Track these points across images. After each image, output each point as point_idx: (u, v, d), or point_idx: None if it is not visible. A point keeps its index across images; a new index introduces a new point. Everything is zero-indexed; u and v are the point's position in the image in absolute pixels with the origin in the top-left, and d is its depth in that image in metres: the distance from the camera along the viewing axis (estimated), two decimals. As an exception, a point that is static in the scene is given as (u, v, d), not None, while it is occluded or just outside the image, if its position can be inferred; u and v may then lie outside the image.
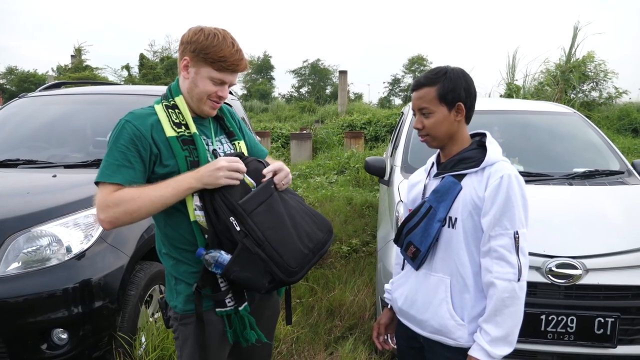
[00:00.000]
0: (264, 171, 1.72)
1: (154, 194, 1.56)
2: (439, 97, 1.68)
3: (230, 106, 2.06)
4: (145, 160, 1.61)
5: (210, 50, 1.62)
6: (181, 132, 1.66)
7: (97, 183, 1.59)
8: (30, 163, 3.35)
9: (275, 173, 1.73)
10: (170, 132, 1.64)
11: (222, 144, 1.80)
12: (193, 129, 1.68)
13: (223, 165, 1.58)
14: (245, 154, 1.85)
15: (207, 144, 1.74)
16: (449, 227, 1.69)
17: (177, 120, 1.67)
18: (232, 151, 1.80)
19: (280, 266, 1.59)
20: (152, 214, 1.61)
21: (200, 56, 1.64)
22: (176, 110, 1.69)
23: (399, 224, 1.91)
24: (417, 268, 1.75)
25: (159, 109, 1.69)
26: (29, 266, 2.45)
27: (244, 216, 1.56)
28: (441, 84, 1.68)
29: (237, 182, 1.61)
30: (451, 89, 1.67)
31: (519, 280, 1.58)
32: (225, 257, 1.55)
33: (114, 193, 1.55)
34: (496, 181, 1.61)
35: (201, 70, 1.66)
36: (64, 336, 2.47)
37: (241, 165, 1.63)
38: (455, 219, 1.67)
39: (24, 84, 30.36)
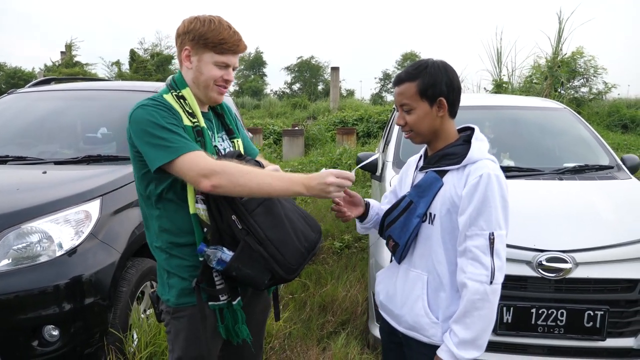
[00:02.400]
0: (332, 180, 1.70)
1: (263, 180, 1.55)
2: (420, 92, 1.63)
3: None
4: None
5: (210, 35, 1.65)
6: (195, 122, 1.68)
7: (175, 159, 1.54)
8: (20, 159, 3.32)
9: None
10: (186, 121, 1.66)
11: (222, 140, 1.82)
12: (202, 122, 1.70)
13: (333, 182, 1.57)
14: (242, 150, 1.87)
15: (212, 139, 1.75)
16: (428, 223, 1.67)
17: (189, 111, 1.69)
18: (232, 150, 1.82)
19: (281, 264, 1.62)
20: (251, 196, 1.58)
21: (201, 43, 1.66)
22: (186, 102, 1.70)
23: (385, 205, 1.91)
24: (399, 262, 1.76)
25: (171, 99, 1.68)
26: (19, 263, 2.43)
27: (246, 215, 1.59)
28: (421, 79, 1.63)
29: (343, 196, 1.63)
30: (432, 84, 1.63)
31: (491, 282, 1.53)
32: (227, 253, 1.57)
33: (217, 161, 1.55)
34: (475, 180, 1.56)
35: (204, 57, 1.68)
36: (55, 333, 2.45)
37: (348, 182, 1.61)
38: (434, 215, 1.65)
39: (11, 80, 29.98)
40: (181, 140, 1.57)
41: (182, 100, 1.69)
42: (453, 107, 1.69)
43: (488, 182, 1.55)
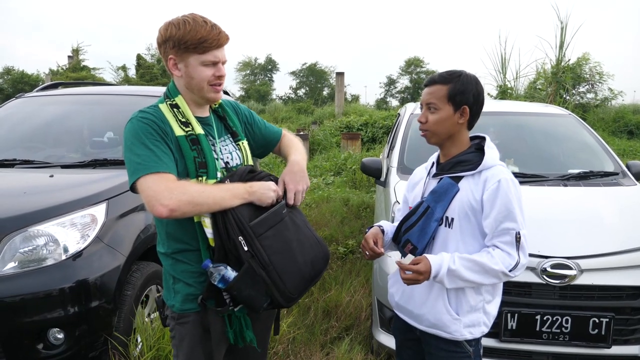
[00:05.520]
0: (274, 188, 1.72)
1: (217, 194, 1.56)
2: (448, 96, 1.74)
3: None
4: (172, 151, 1.61)
5: (188, 37, 1.61)
6: (189, 131, 1.66)
7: (135, 181, 1.54)
8: (27, 163, 3.34)
9: (286, 188, 1.76)
10: (178, 131, 1.64)
11: (226, 144, 1.81)
12: (198, 129, 1.68)
13: (275, 189, 1.69)
14: (248, 153, 1.86)
15: (213, 145, 1.74)
16: (445, 226, 1.76)
17: (183, 120, 1.67)
18: (238, 154, 1.81)
19: (281, 292, 1.62)
20: (208, 213, 1.58)
21: (182, 48, 1.62)
22: (180, 110, 1.69)
23: (397, 223, 1.95)
24: None
25: (165, 109, 1.68)
26: (26, 266, 2.44)
27: (253, 238, 1.58)
28: (453, 84, 1.74)
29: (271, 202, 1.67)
30: (461, 91, 1.73)
31: (510, 270, 1.66)
32: (230, 273, 1.56)
33: (177, 181, 1.53)
34: (494, 185, 1.68)
35: (189, 61, 1.65)
36: (60, 336, 2.47)
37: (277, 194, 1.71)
38: (452, 218, 1.74)
39: (18, 84, 30.14)
40: (152, 158, 1.54)
41: (175, 109, 1.68)
42: (473, 119, 1.79)
43: (507, 186, 1.68)
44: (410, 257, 1.80)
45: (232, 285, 1.55)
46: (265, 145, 2.03)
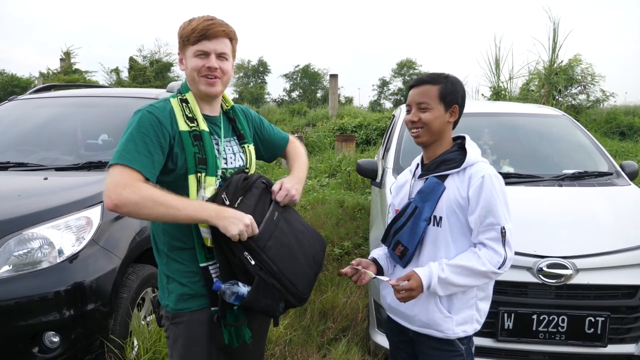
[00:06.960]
0: (247, 223, 1.62)
1: (172, 204, 1.53)
2: (440, 96, 1.78)
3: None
4: (164, 151, 1.63)
5: (185, 32, 1.71)
6: (193, 127, 1.69)
7: (110, 165, 1.56)
8: (21, 166, 3.32)
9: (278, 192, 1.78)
10: (183, 126, 1.68)
11: (231, 145, 1.83)
12: (202, 125, 1.71)
13: (248, 224, 1.56)
14: (253, 157, 1.89)
15: (217, 144, 1.76)
16: (434, 225, 1.79)
17: (190, 115, 1.71)
18: (242, 156, 1.83)
19: (294, 294, 1.66)
20: (156, 221, 1.64)
21: (182, 43, 1.73)
22: (189, 105, 1.73)
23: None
24: (405, 266, 1.83)
25: (174, 102, 1.73)
26: (20, 269, 2.42)
27: (258, 252, 1.60)
28: (443, 85, 1.79)
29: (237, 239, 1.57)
30: (452, 91, 1.79)
31: (499, 267, 1.69)
32: (243, 289, 1.59)
33: (138, 182, 1.53)
34: (478, 181, 1.72)
35: (187, 54, 1.73)
36: (56, 339, 2.45)
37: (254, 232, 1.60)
38: (440, 217, 1.77)
39: (8, 87, 29.80)
40: (132, 152, 1.56)
41: (184, 104, 1.73)
42: (459, 119, 1.85)
43: (491, 181, 1.72)
44: (390, 277, 1.83)
45: (247, 300, 1.57)
46: (273, 151, 2.09)
